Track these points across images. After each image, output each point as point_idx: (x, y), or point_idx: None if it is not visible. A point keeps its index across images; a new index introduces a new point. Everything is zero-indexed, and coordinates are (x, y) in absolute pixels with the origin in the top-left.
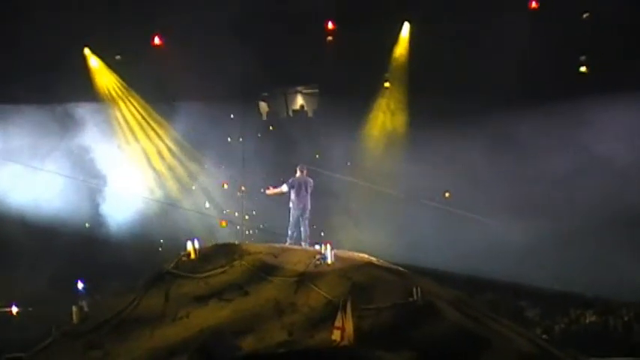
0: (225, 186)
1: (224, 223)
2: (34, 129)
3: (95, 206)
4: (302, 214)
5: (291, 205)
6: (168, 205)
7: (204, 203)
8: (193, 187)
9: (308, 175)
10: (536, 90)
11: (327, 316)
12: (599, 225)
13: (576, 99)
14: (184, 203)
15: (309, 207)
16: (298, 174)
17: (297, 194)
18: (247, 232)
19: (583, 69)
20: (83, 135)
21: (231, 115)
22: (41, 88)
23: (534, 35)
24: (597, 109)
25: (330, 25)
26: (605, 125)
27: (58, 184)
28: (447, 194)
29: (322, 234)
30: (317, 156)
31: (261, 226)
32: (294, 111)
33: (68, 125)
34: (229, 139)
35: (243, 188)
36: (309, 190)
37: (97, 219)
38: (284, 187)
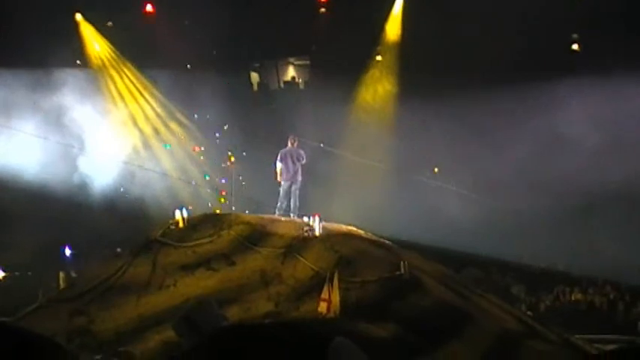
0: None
1: (222, 199)
2: (22, 92)
3: (81, 171)
4: (292, 185)
5: (281, 175)
6: (157, 174)
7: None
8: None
9: (299, 146)
10: (527, 67)
11: (313, 287)
12: (583, 204)
13: (567, 77)
14: (172, 171)
15: (299, 178)
16: (289, 145)
17: (287, 165)
18: (235, 202)
19: (575, 47)
20: (70, 99)
21: (223, 84)
22: (31, 52)
23: (528, 13)
24: (588, 88)
25: None
26: (591, 105)
27: (42, 148)
28: (435, 169)
29: (310, 206)
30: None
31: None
32: (286, 82)
33: (56, 89)
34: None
35: (232, 159)
36: (301, 162)
37: (84, 184)
38: (277, 165)
